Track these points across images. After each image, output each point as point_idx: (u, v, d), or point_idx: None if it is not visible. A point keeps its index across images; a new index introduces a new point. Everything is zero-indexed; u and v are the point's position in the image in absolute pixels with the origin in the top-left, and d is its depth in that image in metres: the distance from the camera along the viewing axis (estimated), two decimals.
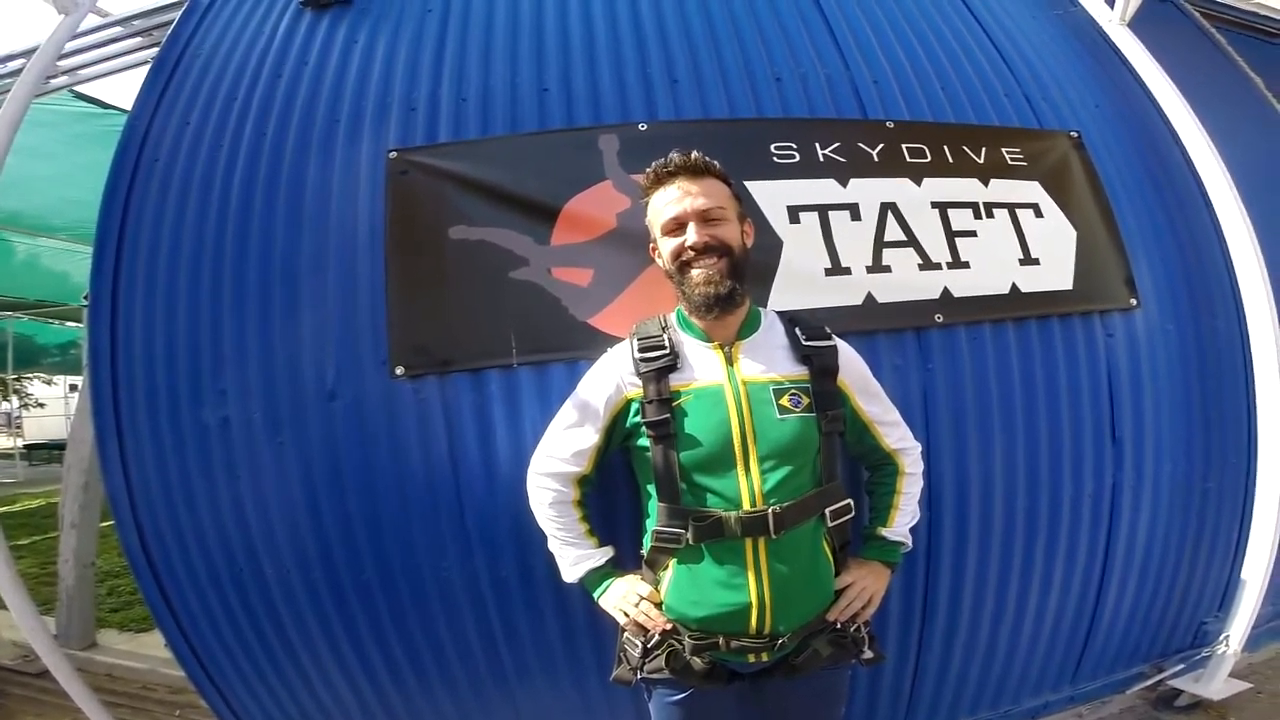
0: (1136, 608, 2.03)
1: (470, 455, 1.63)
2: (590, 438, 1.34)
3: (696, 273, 1.26)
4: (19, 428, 15.05)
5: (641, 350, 1.30)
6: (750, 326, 1.33)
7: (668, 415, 1.25)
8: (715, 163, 1.32)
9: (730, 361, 1.29)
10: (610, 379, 1.33)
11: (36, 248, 5.56)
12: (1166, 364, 2.00)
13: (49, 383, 15.12)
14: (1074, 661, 2.03)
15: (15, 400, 15.02)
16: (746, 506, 1.21)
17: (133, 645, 3.25)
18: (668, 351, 1.29)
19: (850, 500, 1.32)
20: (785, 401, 1.25)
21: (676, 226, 1.29)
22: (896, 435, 1.41)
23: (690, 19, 2.02)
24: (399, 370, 1.64)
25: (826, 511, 1.28)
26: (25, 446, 12.46)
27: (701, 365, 1.29)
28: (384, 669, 1.75)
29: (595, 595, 1.39)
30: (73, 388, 12.83)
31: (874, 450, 1.41)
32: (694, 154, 1.31)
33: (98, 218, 1.84)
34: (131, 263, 1.80)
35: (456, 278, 1.66)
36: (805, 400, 1.26)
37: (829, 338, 1.34)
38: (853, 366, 1.36)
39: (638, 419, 1.29)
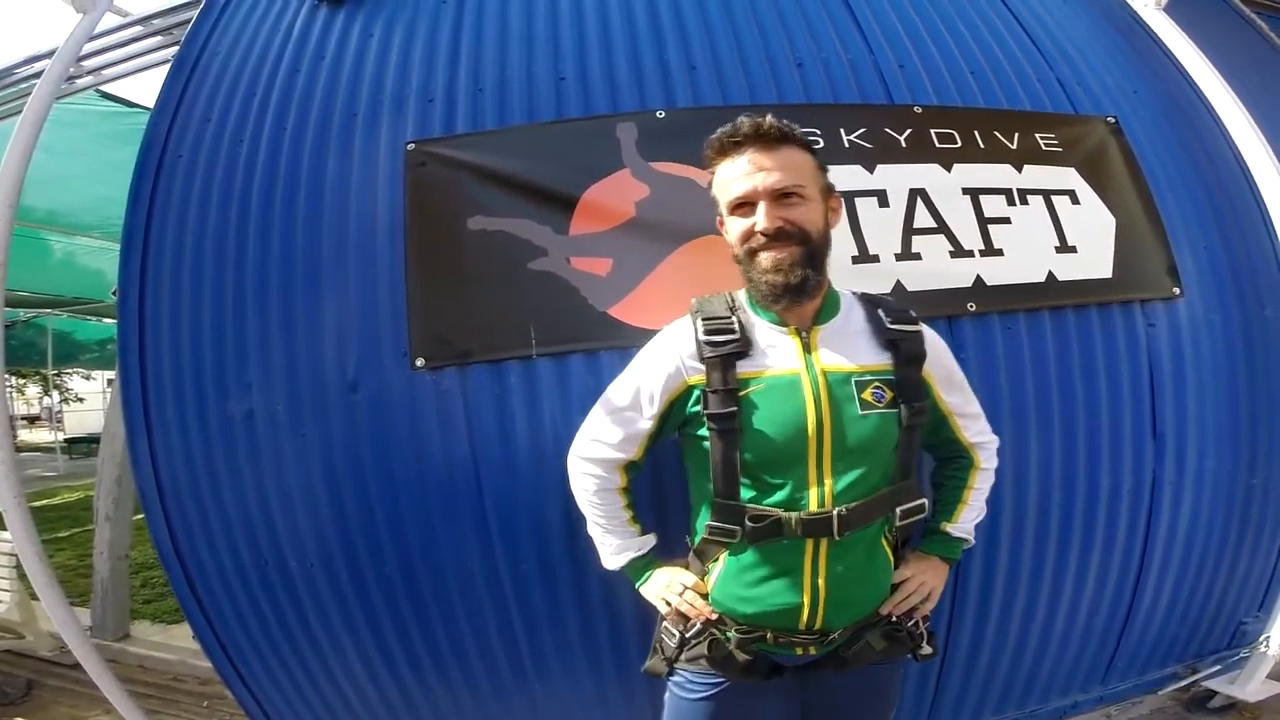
0: (1173, 607, 1.96)
1: (490, 447, 1.62)
2: (644, 424, 1.22)
3: (764, 258, 1.11)
4: (59, 422, 15.54)
5: (708, 332, 1.16)
6: (829, 310, 1.20)
7: (734, 408, 1.12)
8: (795, 128, 1.14)
9: (809, 349, 1.15)
10: (670, 360, 1.19)
11: (72, 246, 5.71)
12: (1211, 355, 1.91)
13: (87, 378, 15.64)
14: (1105, 661, 1.96)
15: (56, 395, 15.52)
16: (813, 508, 1.11)
17: (164, 637, 3.33)
18: (737, 336, 1.15)
19: (924, 500, 1.23)
20: (868, 395, 1.13)
21: (744, 204, 1.13)
22: (976, 428, 1.30)
23: (707, 5, 1.97)
24: (420, 362, 1.63)
25: (897, 510, 1.18)
26: (65, 440, 12.83)
27: (776, 351, 1.15)
28: (404, 661, 1.76)
29: (638, 585, 1.32)
30: (110, 382, 13.23)
31: (951, 443, 1.30)
32: (769, 118, 1.11)
33: (124, 215, 1.86)
34: (158, 258, 1.83)
35: (475, 269, 1.65)
36: (888, 394, 1.14)
37: (915, 322, 1.21)
38: (939, 354, 1.24)
39: (698, 408, 1.17)
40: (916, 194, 1.74)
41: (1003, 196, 1.80)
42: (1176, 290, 1.89)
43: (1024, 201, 1.81)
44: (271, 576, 1.74)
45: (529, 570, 1.65)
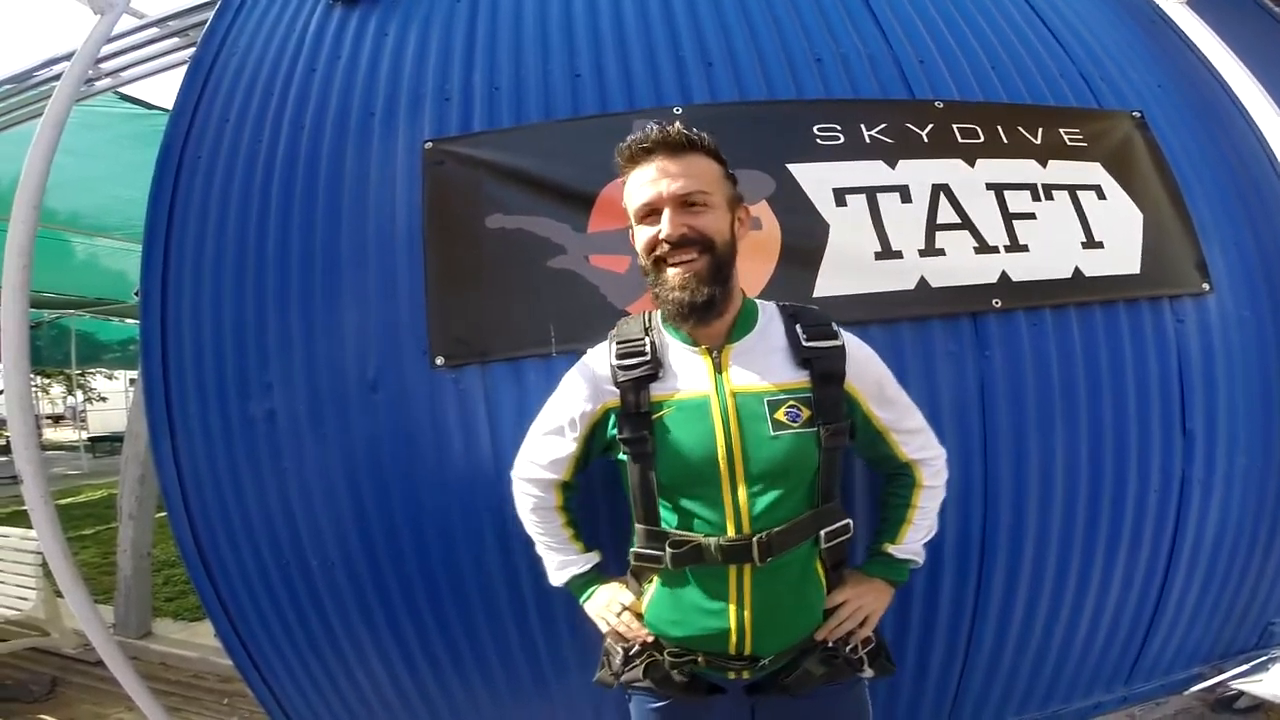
0: (1200, 607, 1.92)
1: (510, 446, 1.58)
2: (567, 447, 1.24)
3: (671, 273, 1.09)
4: (83, 421, 15.79)
5: (620, 357, 1.16)
6: (743, 326, 1.17)
7: (645, 432, 1.11)
8: (705, 136, 1.13)
9: (719, 369, 1.13)
10: (586, 385, 1.21)
11: (94, 247, 5.80)
12: (1243, 352, 1.87)
13: (110, 377, 15.89)
14: (1130, 661, 1.93)
15: (80, 394, 15.78)
16: (731, 533, 1.09)
17: (186, 634, 3.38)
18: (648, 359, 1.14)
19: (849, 521, 1.20)
20: (781, 415, 1.11)
21: (650, 213, 1.11)
22: (916, 444, 1.25)
23: (722, 1, 1.95)
24: (439, 360, 1.63)
25: (821, 533, 1.16)
26: (89, 439, 13.04)
27: (686, 373, 1.14)
28: (424, 661, 1.76)
29: (580, 601, 1.33)
30: (132, 381, 13.43)
31: (888, 460, 1.26)
32: (675, 125, 1.11)
33: (145, 215, 1.88)
34: (179, 258, 1.84)
35: (494, 267, 1.65)
36: (805, 413, 1.11)
37: (835, 336, 1.16)
38: (864, 368, 1.19)
39: (614, 431, 1.17)
40: (939, 189, 1.71)
41: (1027, 192, 1.77)
42: (1206, 286, 1.86)
43: (1049, 197, 1.78)
44: (293, 575, 1.75)
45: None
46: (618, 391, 1.16)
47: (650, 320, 1.23)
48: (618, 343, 1.20)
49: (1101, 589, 1.81)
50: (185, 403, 1.78)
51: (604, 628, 1.29)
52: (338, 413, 1.68)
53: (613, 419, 1.18)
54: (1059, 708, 1.92)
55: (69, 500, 7.57)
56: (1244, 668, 1.97)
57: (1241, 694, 1.96)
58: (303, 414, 1.70)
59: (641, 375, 1.14)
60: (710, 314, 1.12)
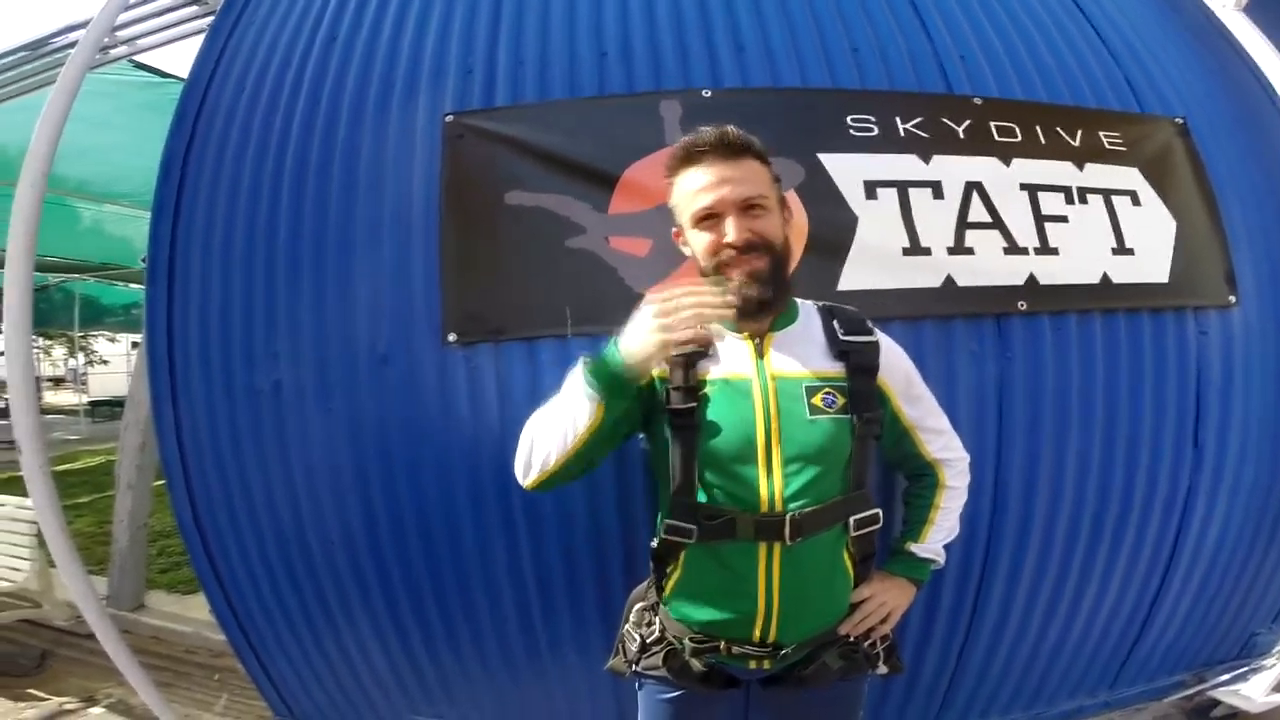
0: (1190, 615, 1.94)
1: (521, 427, 1.57)
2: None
3: (738, 275, 1.13)
4: (84, 384, 15.73)
5: None
6: (786, 318, 1.22)
7: (693, 405, 1.14)
8: (755, 140, 1.17)
9: (760, 354, 1.18)
10: None
11: (101, 214, 5.76)
12: (1261, 367, 1.86)
13: (112, 340, 15.82)
14: (1117, 666, 1.95)
15: (81, 356, 15.74)
16: (764, 509, 1.12)
17: (179, 608, 3.34)
18: None
19: (878, 510, 1.23)
20: (818, 401, 1.15)
21: (709, 217, 1.14)
22: (940, 443, 1.30)
23: None
24: (451, 337, 1.60)
25: (850, 520, 1.19)
26: (89, 403, 12.98)
27: (730, 355, 1.19)
28: (422, 645, 1.74)
29: (608, 361, 1.08)
30: (134, 344, 13.43)
31: (913, 458, 1.31)
32: (730, 129, 1.14)
33: (156, 183, 1.84)
34: (189, 227, 1.80)
35: (512, 244, 1.61)
36: (840, 400, 1.16)
37: (870, 332, 1.22)
38: (895, 365, 1.24)
39: (662, 400, 1.19)
40: (973, 187, 1.67)
41: (1062, 194, 1.73)
42: (1232, 298, 1.83)
43: (1083, 200, 1.74)
44: (291, 551, 1.73)
45: (551, 559, 1.62)
46: (666, 365, 1.16)
47: None
48: None
49: (1099, 592, 1.82)
50: (189, 371, 1.75)
51: (660, 337, 1.03)
52: (346, 386, 1.65)
53: (659, 386, 1.18)
54: (1042, 710, 1.94)
55: (66, 466, 7.53)
56: (1225, 677, 2.01)
57: (1218, 703, 1.98)
58: (309, 386, 1.67)
59: (691, 352, 1.15)
60: (769, 311, 1.18)
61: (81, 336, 13.51)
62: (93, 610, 1.81)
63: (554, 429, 1.14)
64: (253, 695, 2.07)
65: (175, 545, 4.06)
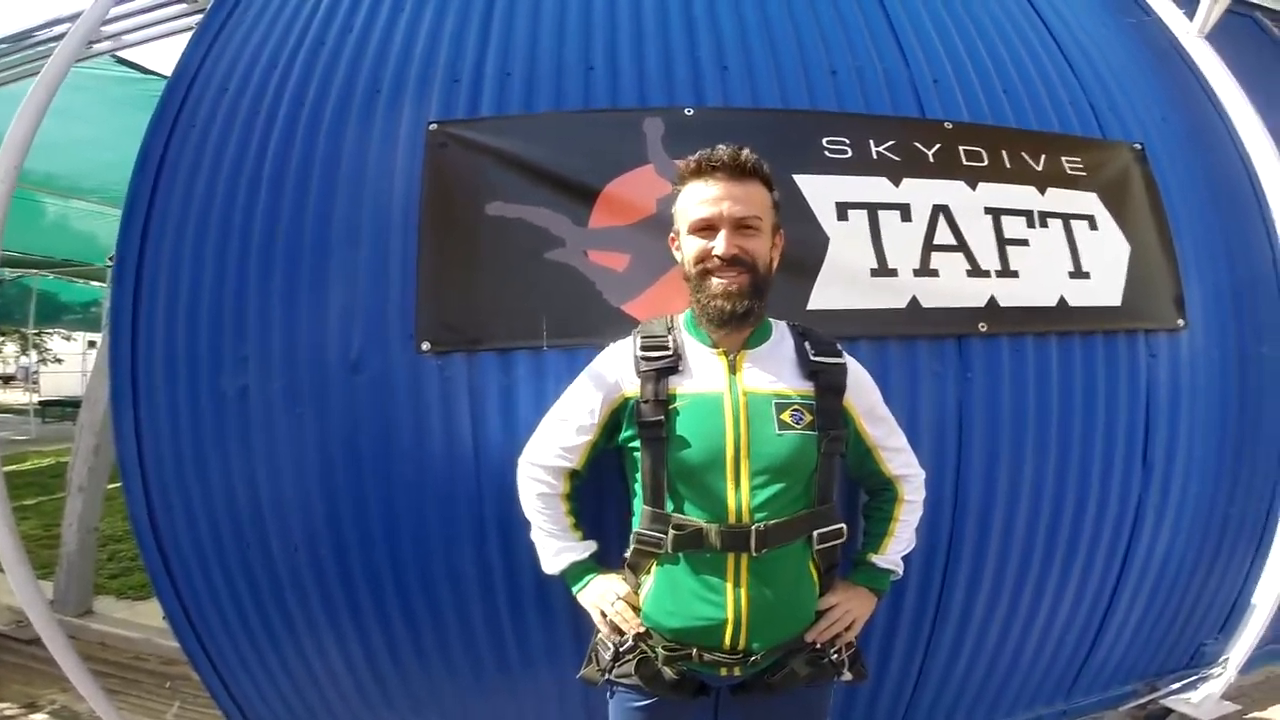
0: (1141, 626, 2.02)
1: (493, 438, 1.58)
2: (585, 434, 1.30)
3: (716, 283, 1.19)
4: (35, 383, 15.09)
5: (643, 349, 1.26)
6: (759, 336, 1.28)
7: (662, 417, 1.20)
8: (764, 165, 1.24)
9: (733, 370, 1.23)
10: (610, 375, 1.29)
11: (67, 209, 5.60)
12: (1206, 388, 1.96)
13: (68, 338, 15.21)
14: (1072, 676, 2.02)
15: (34, 354, 15.11)
16: (731, 520, 1.17)
17: (129, 614, 3.22)
18: (670, 353, 1.24)
19: (842, 525, 1.27)
20: (786, 417, 1.20)
21: (705, 228, 1.21)
22: (900, 461, 1.36)
23: (743, 6, 1.96)
24: (425, 346, 1.59)
25: (814, 534, 1.24)
26: (40, 403, 12.48)
27: (703, 371, 1.24)
28: (385, 653, 1.71)
29: (575, 590, 1.35)
30: (91, 344, 12.90)
31: (874, 475, 1.37)
32: (745, 152, 1.21)
33: (130, 180, 1.81)
34: (160, 225, 1.77)
35: (491, 255, 1.62)
36: (807, 417, 1.21)
37: (839, 355, 1.28)
38: (861, 387, 1.30)
39: (631, 421, 1.25)
40: (940, 210, 1.73)
41: (1024, 218, 1.80)
42: (1181, 322, 1.92)
43: (1044, 224, 1.82)
44: (252, 557, 1.69)
45: (523, 564, 1.60)
46: (638, 382, 1.24)
47: (672, 322, 1.32)
48: (642, 337, 1.29)
49: (1054, 605, 1.88)
50: (153, 372, 1.71)
51: (598, 618, 1.31)
52: (316, 392, 1.63)
53: (630, 408, 1.25)
54: (1002, 719, 1.98)
55: (13, 467, 7.22)
56: (1175, 686, 2.09)
57: (1170, 711, 2.05)
58: (278, 391, 1.65)
59: (663, 366, 1.23)
60: (745, 323, 1.22)
61: (36, 333, 12.98)
62: (41, 614, 1.74)
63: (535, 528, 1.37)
64: (206, 703, 2.01)
65: (126, 550, 3.92)
